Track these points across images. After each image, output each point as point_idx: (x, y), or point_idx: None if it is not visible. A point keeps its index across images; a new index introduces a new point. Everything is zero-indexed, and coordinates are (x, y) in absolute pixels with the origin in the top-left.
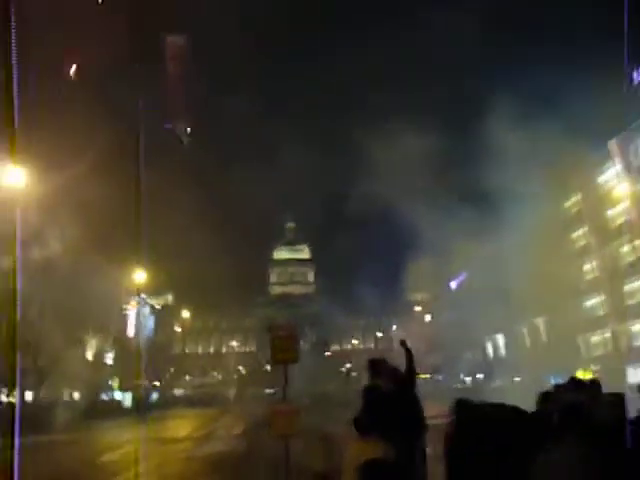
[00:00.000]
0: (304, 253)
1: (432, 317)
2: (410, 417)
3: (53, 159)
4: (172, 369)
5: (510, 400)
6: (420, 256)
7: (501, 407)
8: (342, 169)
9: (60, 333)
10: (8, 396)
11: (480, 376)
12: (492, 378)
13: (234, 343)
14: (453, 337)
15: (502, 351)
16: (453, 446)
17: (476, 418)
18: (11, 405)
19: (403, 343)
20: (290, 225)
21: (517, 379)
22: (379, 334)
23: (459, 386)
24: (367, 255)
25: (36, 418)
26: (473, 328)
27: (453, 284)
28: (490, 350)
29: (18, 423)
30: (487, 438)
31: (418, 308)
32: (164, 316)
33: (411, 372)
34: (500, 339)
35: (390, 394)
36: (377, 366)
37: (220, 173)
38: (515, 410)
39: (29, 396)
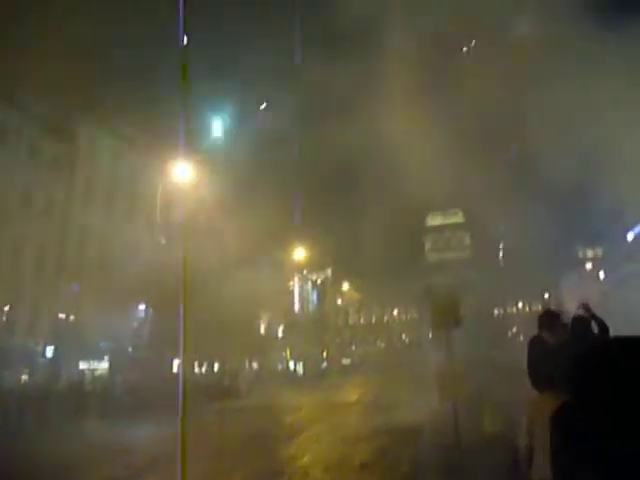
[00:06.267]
0: (458, 217)
1: (605, 274)
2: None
3: None
4: (338, 339)
5: None
6: (590, 208)
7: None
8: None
9: (238, 313)
10: (200, 367)
11: None
12: None
13: (395, 312)
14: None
15: None
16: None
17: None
18: (201, 375)
19: (587, 308)
20: (441, 190)
21: None
22: (546, 295)
23: None
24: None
25: (225, 387)
26: None
27: (630, 235)
28: None
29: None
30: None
31: (589, 265)
32: (325, 289)
33: (604, 329)
34: None
35: (555, 348)
36: (548, 318)
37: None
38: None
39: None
